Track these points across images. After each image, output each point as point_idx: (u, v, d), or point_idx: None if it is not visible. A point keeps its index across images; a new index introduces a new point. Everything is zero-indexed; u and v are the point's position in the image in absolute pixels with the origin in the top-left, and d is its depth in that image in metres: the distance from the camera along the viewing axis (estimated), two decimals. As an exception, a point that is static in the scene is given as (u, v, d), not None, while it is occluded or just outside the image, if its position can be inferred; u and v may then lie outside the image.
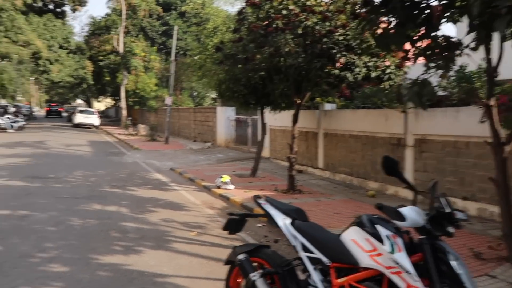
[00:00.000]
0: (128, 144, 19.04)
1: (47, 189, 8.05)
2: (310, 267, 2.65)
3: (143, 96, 32.53)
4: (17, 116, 26.96)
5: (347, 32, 6.69)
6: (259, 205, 3.00)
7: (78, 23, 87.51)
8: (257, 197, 3.12)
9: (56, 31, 31.56)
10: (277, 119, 11.98)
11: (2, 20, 26.07)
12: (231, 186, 8.75)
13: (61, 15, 35.87)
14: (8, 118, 25.42)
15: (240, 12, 6.56)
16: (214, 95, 37.34)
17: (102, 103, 62.07)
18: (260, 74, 7.54)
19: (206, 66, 9.59)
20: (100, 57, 34.60)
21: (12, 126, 24.60)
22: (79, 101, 69.00)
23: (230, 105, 18.19)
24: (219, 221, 6.23)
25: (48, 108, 58.82)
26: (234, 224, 3.08)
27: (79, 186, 8.51)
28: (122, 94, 31.98)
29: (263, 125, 10.67)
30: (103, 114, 64.06)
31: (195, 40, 17.46)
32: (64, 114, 52.40)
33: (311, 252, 2.65)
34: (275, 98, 9.02)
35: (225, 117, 18.18)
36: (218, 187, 8.72)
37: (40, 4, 32.50)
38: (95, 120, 31.71)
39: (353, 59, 6.82)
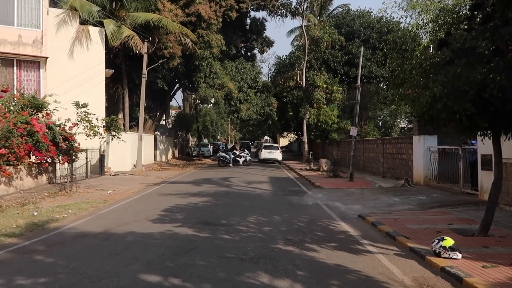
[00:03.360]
0: (309, 181, 17.47)
1: (213, 242, 6.73)
2: None
3: (325, 129, 31.32)
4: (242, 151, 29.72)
5: None
6: None
7: (267, 65, 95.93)
8: None
9: (246, 73, 33.84)
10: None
11: (202, 68, 29.25)
12: (458, 255, 5.69)
13: (251, 58, 38.75)
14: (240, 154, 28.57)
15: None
16: (403, 124, 33.37)
17: (286, 139, 64.52)
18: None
19: (411, 80, 6.92)
20: (284, 94, 35.40)
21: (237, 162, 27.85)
22: (266, 137, 74.17)
23: (428, 133, 14.72)
24: None
25: (240, 145, 70.28)
26: None
27: (249, 239, 6.94)
28: (304, 128, 31.47)
29: (498, 157, 7.18)
30: (286, 149, 66.63)
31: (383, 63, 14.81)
32: (253, 150, 56.62)
33: None
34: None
35: (424, 148, 14.70)
36: (436, 253, 5.79)
37: (234, 51, 35.78)
38: (278, 155, 32.09)
39: None
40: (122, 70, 25.47)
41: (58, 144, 12.89)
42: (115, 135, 14.25)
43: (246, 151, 30.12)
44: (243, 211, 9.84)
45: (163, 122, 43.46)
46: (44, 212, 9.96)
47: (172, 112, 58.80)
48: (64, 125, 13.35)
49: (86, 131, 13.17)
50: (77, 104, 13.06)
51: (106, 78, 24.26)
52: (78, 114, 13.23)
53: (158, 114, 33.90)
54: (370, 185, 15.72)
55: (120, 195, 13.62)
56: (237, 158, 28.18)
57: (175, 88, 35.40)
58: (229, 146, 62.33)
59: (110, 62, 24.35)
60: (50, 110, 13.26)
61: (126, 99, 25.80)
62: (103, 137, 13.30)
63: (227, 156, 27.98)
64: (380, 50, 33.57)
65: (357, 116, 17.78)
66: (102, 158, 19.94)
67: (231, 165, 27.30)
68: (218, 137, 73.42)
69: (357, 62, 22.40)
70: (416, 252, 6.19)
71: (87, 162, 18.16)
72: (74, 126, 13.64)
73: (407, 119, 30.59)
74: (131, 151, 23.26)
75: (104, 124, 14.22)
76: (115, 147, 22.86)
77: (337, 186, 15.47)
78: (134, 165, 23.86)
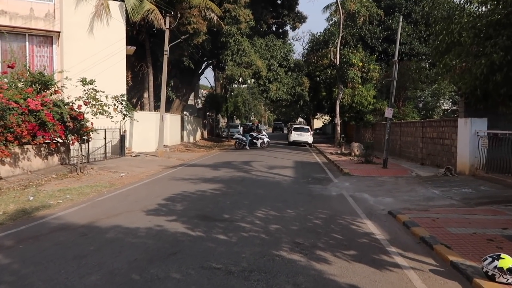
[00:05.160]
0: (338, 167, 15.94)
1: (203, 244, 5.56)
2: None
3: (360, 110, 29.29)
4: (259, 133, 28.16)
5: None
6: None
7: (301, 44, 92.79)
8: None
9: (276, 50, 32.12)
10: None
11: (229, 45, 27.86)
12: (520, 281, 4.20)
13: (282, 35, 36.85)
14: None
15: None
16: (446, 105, 30.63)
17: (320, 120, 62.44)
18: None
19: (460, 45, 5.29)
20: (317, 73, 33.49)
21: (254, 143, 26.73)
22: (300, 119, 72.39)
23: (477, 115, 12.77)
24: None
25: (273, 126, 74.25)
26: None
27: (248, 242, 5.71)
28: (337, 109, 29.61)
29: None
30: (320, 131, 64.61)
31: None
32: (285, 131, 55.62)
33: None
34: None
35: (470, 133, 12.73)
36: (489, 276, 4.32)
37: (265, 27, 34.03)
38: (308, 138, 30.47)
39: None
40: (146, 47, 24.64)
41: (66, 124, 12.14)
42: (126, 114, 13.32)
43: (264, 133, 28.52)
44: (253, 202, 8.61)
45: (191, 102, 42.80)
46: (41, 197, 9.23)
47: (205, 92, 58.12)
48: (73, 103, 12.57)
49: (93, 110, 12.31)
50: (83, 81, 12.17)
51: (130, 56, 23.53)
52: (85, 92, 12.37)
53: (185, 93, 33.00)
54: (406, 174, 14.02)
55: (131, 178, 12.82)
56: (254, 140, 26.81)
57: (203, 66, 34.33)
58: (261, 127, 61.05)
59: (133, 39, 23.54)
60: (58, 87, 12.49)
61: (151, 77, 25.01)
62: (111, 117, 12.40)
63: (244, 138, 26.62)
64: (423, 25, 31.00)
65: (393, 96, 15.88)
66: (122, 138, 19.34)
67: (247, 147, 25.93)
68: (252, 118, 72.53)
69: (396, 43, 20.29)
70: (460, 270, 4.73)
71: (105, 142, 17.56)
72: (86, 105, 12.82)
73: (451, 100, 28.00)
74: (156, 132, 22.55)
75: (115, 103, 13.26)
76: (139, 127, 22.24)
77: (367, 174, 13.90)
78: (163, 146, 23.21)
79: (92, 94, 12.21)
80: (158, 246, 5.39)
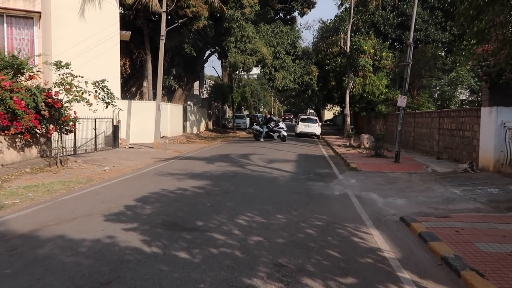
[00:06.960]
0: (344, 161, 14.49)
1: (153, 267, 4.24)
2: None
3: (372, 101, 27.60)
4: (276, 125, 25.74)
5: None
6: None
7: (311, 33, 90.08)
8: None
9: (283, 37, 30.53)
10: None
11: (233, 31, 26.39)
12: None
13: (290, 22, 35.14)
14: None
15: None
16: (463, 96, 28.69)
17: (331, 111, 60.71)
18: None
19: (504, 5, 3.83)
20: (327, 61, 31.82)
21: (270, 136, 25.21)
22: (310, 110, 70.74)
23: (503, 104, 11.21)
24: None
25: (283, 117, 74.10)
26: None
27: (214, 263, 4.37)
28: (347, 99, 27.97)
29: None
30: (331, 123, 62.88)
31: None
32: (294, 123, 54.50)
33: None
34: None
35: (496, 124, 11.19)
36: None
37: (272, 14, 32.42)
38: (316, 129, 28.90)
39: None
40: (144, 33, 23.32)
41: (41, 112, 10.95)
42: (109, 102, 12.03)
43: (281, 125, 26.26)
44: (239, 204, 7.26)
45: (196, 92, 41.49)
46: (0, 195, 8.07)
47: (211, 82, 56.75)
48: (50, 90, 11.34)
49: (68, 97, 11.05)
50: (57, 64, 10.90)
51: (128, 43, 22.30)
52: (60, 76, 11.10)
53: (186, 81, 31.63)
54: (421, 169, 12.51)
55: (115, 172, 11.62)
56: (270, 133, 25.23)
57: (207, 54, 32.91)
58: (274, 118, 59.58)
59: (130, 24, 22.29)
60: (34, 72, 11.27)
61: (149, 65, 23.74)
62: (90, 104, 11.15)
63: (261, 130, 25.12)
64: (439, 10, 29.06)
65: (407, 82, 14.28)
66: (115, 129, 18.19)
67: (261, 139, 24.52)
68: (261, 109, 71.10)
69: (411, 25, 18.57)
70: (502, 316, 3.34)
71: (95, 133, 16.46)
72: (65, 91, 11.57)
73: (469, 89, 26.12)
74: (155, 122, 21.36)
75: (96, 89, 11.99)
76: (136, 117, 21.15)
77: (377, 169, 12.44)
78: (161, 137, 22.04)
79: (68, 79, 10.93)
80: (93, 270, 4.09)
